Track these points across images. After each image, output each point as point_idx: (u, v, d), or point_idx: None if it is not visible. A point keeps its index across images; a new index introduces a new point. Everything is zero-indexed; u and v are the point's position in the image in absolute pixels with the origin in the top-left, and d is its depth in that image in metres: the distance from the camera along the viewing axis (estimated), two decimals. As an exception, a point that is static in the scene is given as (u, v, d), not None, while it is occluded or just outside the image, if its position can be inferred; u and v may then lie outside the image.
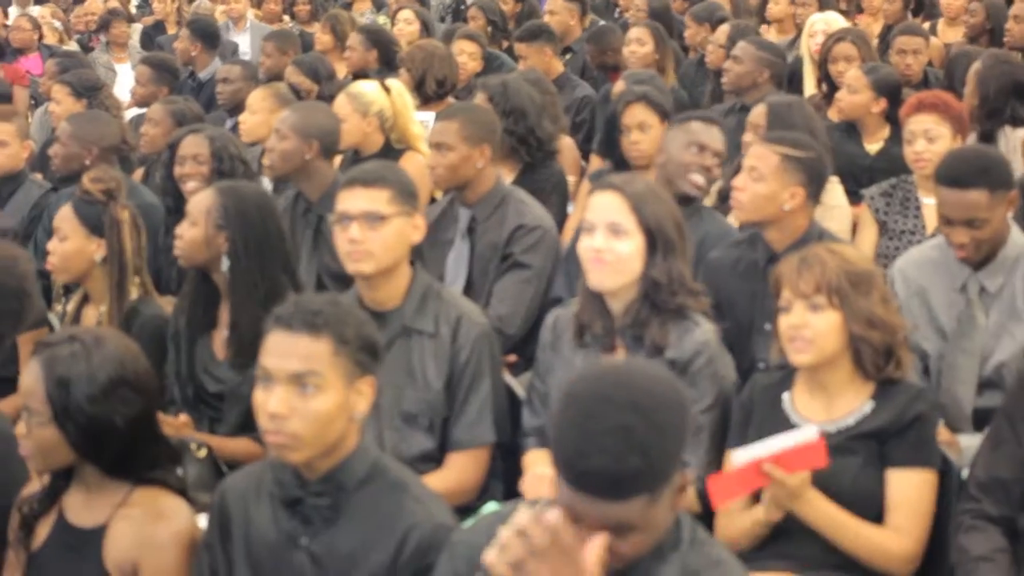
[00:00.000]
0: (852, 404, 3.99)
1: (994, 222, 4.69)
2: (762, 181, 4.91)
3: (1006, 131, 6.75)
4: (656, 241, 4.20)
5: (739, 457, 3.78)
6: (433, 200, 6.49)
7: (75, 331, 3.57)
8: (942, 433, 4.54)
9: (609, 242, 4.21)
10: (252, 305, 4.63)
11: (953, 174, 4.70)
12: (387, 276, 4.42)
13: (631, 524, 2.68)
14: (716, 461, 4.19)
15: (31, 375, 3.48)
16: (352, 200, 4.39)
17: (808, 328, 3.94)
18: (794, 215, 4.92)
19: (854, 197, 6.46)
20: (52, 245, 5.04)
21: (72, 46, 12.17)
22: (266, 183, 6.60)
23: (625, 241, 4.20)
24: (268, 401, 3.29)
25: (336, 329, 3.30)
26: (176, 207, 6.12)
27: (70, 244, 4.99)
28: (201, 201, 4.84)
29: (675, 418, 2.70)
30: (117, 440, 3.47)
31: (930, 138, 5.95)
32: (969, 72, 6.90)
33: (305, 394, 3.28)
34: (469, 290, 5.67)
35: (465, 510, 4.06)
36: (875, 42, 9.82)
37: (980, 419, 4.57)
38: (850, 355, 3.96)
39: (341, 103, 6.97)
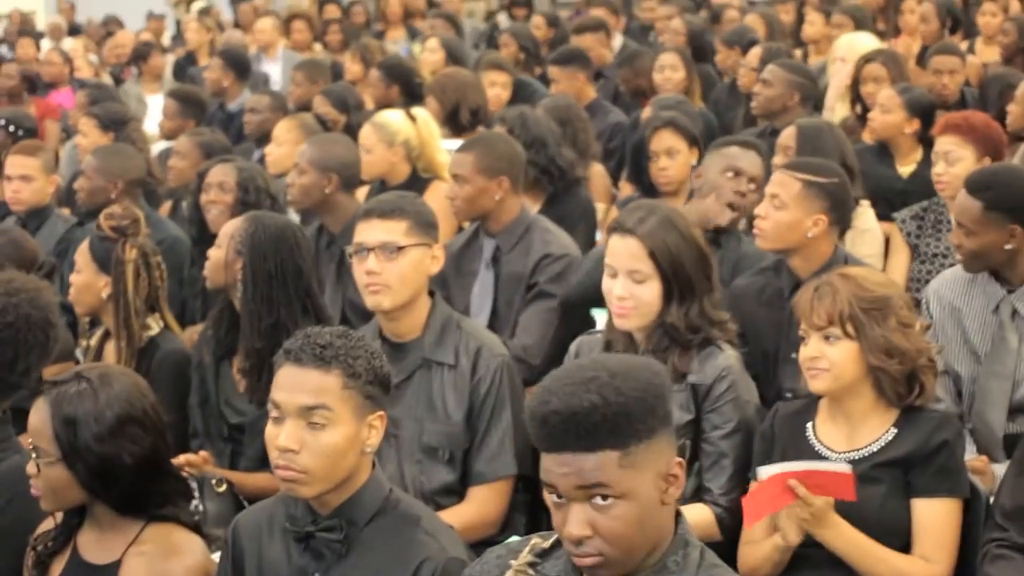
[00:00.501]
0: (875, 432, 3.92)
1: (984, 239, 4.70)
2: (784, 209, 4.87)
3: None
4: (672, 286, 4.18)
5: (766, 470, 3.74)
6: (461, 229, 6.46)
7: (82, 369, 3.54)
8: (975, 461, 4.48)
9: (630, 288, 4.19)
10: (254, 336, 4.62)
11: (968, 178, 4.81)
12: (406, 308, 4.40)
13: (605, 484, 2.65)
14: (739, 489, 4.14)
15: (38, 414, 3.46)
16: (369, 231, 4.37)
17: (823, 359, 3.89)
18: (818, 242, 4.88)
19: (887, 220, 6.38)
20: (72, 278, 5.07)
21: (105, 79, 12.20)
22: (294, 215, 6.58)
23: (645, 286, 4.18)
24: (278, 436, 3.26)
25: (346, 363, 3.27)
26: (200, 237, 6.11)
27: (82, 278, 5.05)
28: (230, 226, 4.89)
29: (643, 381, 2.71)
30: (127, 478, 3.44)
31: (950, 160, 5.88)
32: (1021, 93, 6.74)
33: (315, 428, 3.24)
34: (494, 320, 5.65)
35: (487, 544, 3.99)
36: (912, 62, 9.78)
37: (1011, 445, 4.48)
38: (871, 383, 3.90)
39: (367, 133, 6.94)
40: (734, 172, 5.52)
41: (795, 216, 4.85)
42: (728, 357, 4.21)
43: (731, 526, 4.10)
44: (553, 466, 2.69)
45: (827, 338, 3.89)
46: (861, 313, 3.86)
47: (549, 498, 2.74)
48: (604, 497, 2.66)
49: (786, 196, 4.87)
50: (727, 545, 4.05)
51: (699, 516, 4.08)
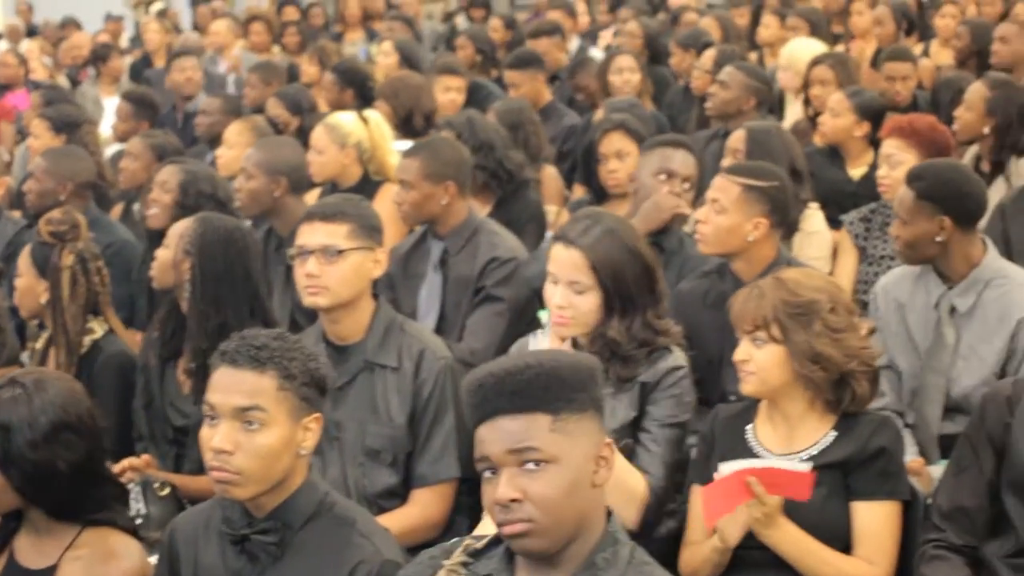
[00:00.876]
0: (814, 435, 3.92)
1: (916, 228, 4.77)
2: (724, 213, 4.88)
3: (1013, 160, 6.66)
4: (613, 299, 4.16)
5: (727, 467, 3.75)
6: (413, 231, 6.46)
7: (18, 375, 3.54)
8: (913, 462, 4.51)
9: (570, 298, 4.16)
10: (201, 336, 4.62)
11: (909, 170, 4.94)
12: (348, 310, 4.40)
13: (536, 448, 2.73)
14: (672, 484, 4.14)
15: None
16: (310, 234, 4.37)
17: (751, 362, 3.91)
18: (759, 245, 4.90)
19: (838, 223, 6.41)
20: (16, 282, 5.07)
21: (61, 80, 12.15)
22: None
23: (585, 296, 4.15)
24: (212, 437, 3.27)
25: (281, 364, 3.28)
26: (153, 239, 6.09)
27: (23, 283, 5.06)
28: (179, 226, 4.89)
29: (577, 359, 2.86)
30: (62, 484, 3.44)
31: (893, 163, 5.91)
32: (972, 98, 6.76)
33: (250, 430, 3.25)
34: (442, 323, 5.65)
35: (431, 546, 4.00)
36: (866, 65, 9.81)
37: (948, 446, 4.51)
38: (804, 386, 3.91)
39: (318, 135, 6.93)
40: (667, 174, 5.53)
41: (735, 220, 4.87)
42: (677, 358, 4.21)
43: (655, 513, 4.09)
44: (486, 434, 2.77)
45: (755, 341, 3.90)
46: (786, 318, 3.86)
47: (483, 478, 2.78)
48: (536, 463, 2.73)
49: (726, 200, 4.89)
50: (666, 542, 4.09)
51: (636, 480, 4.05)
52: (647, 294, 4.20)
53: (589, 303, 4.16)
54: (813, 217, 6.19)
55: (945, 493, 3.91)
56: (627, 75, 8.98)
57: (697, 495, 3.97)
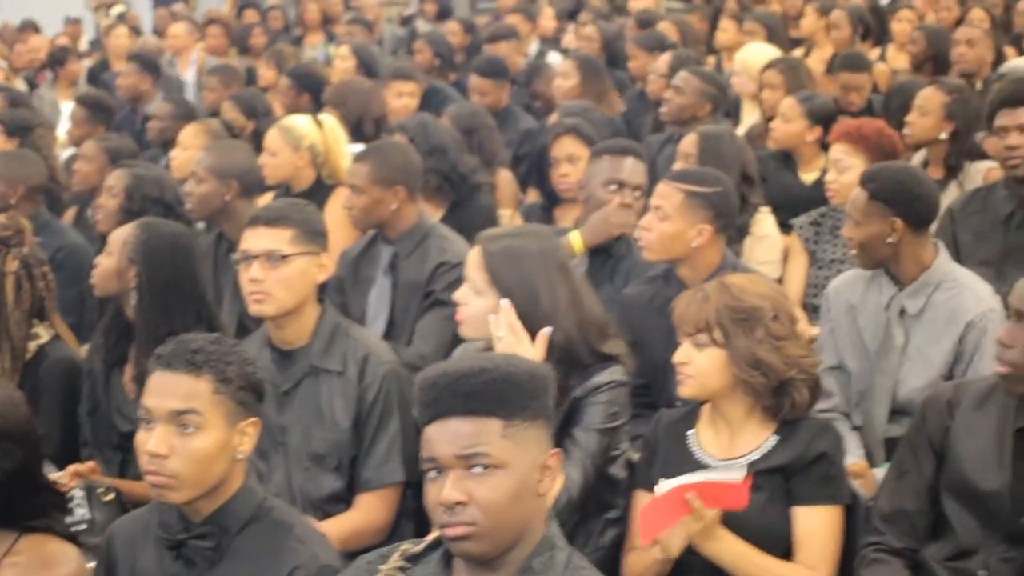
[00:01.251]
0: (755, 439, 3.92)
1: (868, 229, 4.81)
2: (667, 220, 4.87)
3: (967, 164, 6.69)
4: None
5: (664, 485, 3.74)
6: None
7: (-45, 383, 3.52)
8: (856, 466, 4.52)
9: (468, 296, 4.17)
10: (149, 344, 4.58)
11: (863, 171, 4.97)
12: (293, 315, 4.40)
13: (485, 453, 2.73)
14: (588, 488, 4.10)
15: None
16: (254, 239, 4.37)
17: (691, 365, 3.90)
18: (703, 251, 4.88)
19: (790, 227, 6.43)
20: None
21: (18, 84, 12.10)
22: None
23: (480, 299, 4.14)
24: (148, 441, 3.27)
25: (217, 368, 3.28)
26: (103, 243, 6.08)
27: None
28: (121, 232, 4.86)
29: (531, 367, 2.86)
30: None
31: (840, 168, 5.93)
32: (927, 103, 6.76)
33: (185, 433, 3.26)
34: (392, 328, 5.64)
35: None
36: (823, 68, 9.84)
37: (893, 448, 4.52)
38: (745, 391, 3.90)
39: (272, 137, 6.92)
40: (617, 184, 5.51)
41: (678, 227, 4.85)
42: (612, 372, 4.14)
43: (569, 514, 4.06)
44: (436, 434, 2.76)
45: (696, 344, 3.90)
46: (729, 322, 3.86)
47: (427, 477, 2.78)
48: (484, 468, 2.73)
49: (669, 207, 4.87)
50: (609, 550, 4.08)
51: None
52: (549, 303, 4.09)
53: (480, 306, 4.11)
54: (764, 221, 6.21)
55: (886, 496, 3.94)
56: (559, 80, 8.95)
57: (640, 500, 3.97)
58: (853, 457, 4.61)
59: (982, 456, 3.81)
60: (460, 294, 4.19)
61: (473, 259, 4.18)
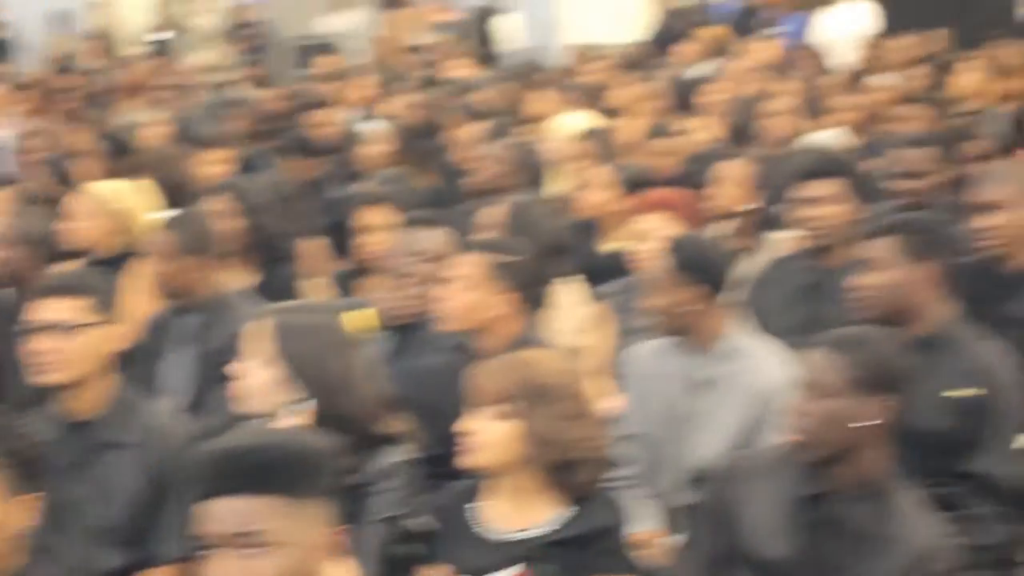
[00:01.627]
0: (544, 513, 3.87)
1: (670, 298, 4.91)
2: (468, 289, 4.82)
3: (767, 235, 6.80)
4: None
5: None
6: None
7: None
8: (642, 535, 4.54)
9: (252, 368, 4.00)
10: None
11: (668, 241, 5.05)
12: (83, 387, 4.33)
13: (253, 532, 2.62)
14: None
15: None
16: (44, 309, 4.29)
17: (480, 435, 3.85)
18: (503, 321, 4.85)
19: (595, 296, 6.46)
20: None
21: None
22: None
23: (266, 371, 3.97)
24: None
25: None
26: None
27: None
28: None
29: (308, 442, 2.75)
30: None
31: (645, 237, 5.98)
32: (734, 174, 6.85)
33: None
34: (196, 397, 5.57)
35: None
36: (638, 138, 9.94)
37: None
38: (532, 466, 3.85)
39: (80, 202, 6.83)
40: (417, 255, 5.49)
41: (479, 296, 4.82)
42: (397, 453, 4.02)
43: None
44: (208, 513, 2.65)
45: (495, 415, 3.85)
46: (522, 396, 3.83)
47: (200, 555, 2.68)
48: (257, 547, 2.62)
49: (470, 276, 4.84)
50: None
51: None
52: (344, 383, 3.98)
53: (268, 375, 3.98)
54: (569, 290, 6.24)
55: (680, 565, 3.99)
56: (372, 148, 8.99)
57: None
58: (645, 526, 4.64)
59: (768, 525, 3.85)
60: (241, 367, 4.03)
61: (260, 331, 4.07)
